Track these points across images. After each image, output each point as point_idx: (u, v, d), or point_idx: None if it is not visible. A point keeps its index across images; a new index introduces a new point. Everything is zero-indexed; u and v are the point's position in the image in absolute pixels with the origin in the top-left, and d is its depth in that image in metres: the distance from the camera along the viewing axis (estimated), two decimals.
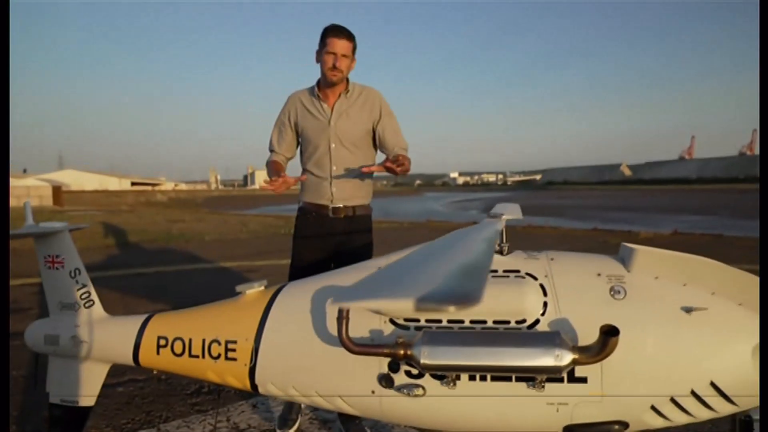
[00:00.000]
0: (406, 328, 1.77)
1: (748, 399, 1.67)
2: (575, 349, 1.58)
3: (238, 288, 2.11)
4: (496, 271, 1.82)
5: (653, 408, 1.67)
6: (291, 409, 2.77)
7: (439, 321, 1.75)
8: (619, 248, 1.90)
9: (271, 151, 2.80)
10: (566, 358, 1.56)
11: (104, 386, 2.31)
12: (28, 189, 38.60)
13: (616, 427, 1.71)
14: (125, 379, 3.42)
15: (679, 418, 1.70)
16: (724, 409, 1.68)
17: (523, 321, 1.70)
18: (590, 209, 31.83)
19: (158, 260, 8.90)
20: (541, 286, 1.75)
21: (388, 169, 2.49)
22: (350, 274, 2.01)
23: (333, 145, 2.67)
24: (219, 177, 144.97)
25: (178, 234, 13.10)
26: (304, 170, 2.79)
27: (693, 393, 1.65)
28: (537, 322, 1.70)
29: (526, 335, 1.65)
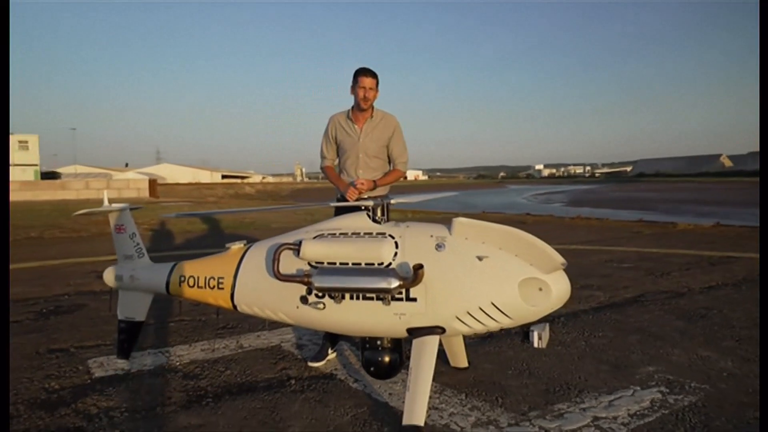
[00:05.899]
0: (316, 267, 2.87)
1: (518, 315, 2.64)
2: (401, 278, 2.62)
3: (227, 245, 3.30)
4: (371, 233, 2.87)
5: (458, 318, 2.67)
6: (323, 346, 3.74)
7: (335, 263, 2.84)
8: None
9: (323, 157, 3.88)
10: (395, 283, 2.61)
11: (160, 321, 3.54)
12: (128, 182, 42.22)
13: (438, 330, 2.73)
14: (176, 319, 4.72)
15: (476, 326, 2.68)
16: (504, 321, 2.65)
17: (382, 263, 2.75)
18: (674, 203, 30.96)
19: (226, 243, 10.37)
20: (396, 243, 2.78)
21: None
22: (295, 235, 3.12)
23: (360, 155, 3.72)
24: (304, 170, 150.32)
25: (249, 222, 14.72)
26: (341, 171, 3.85)
27: (481, 309, 2.63)
28: (390, 264, 2.75)
29: (376, 270, 2.70)
